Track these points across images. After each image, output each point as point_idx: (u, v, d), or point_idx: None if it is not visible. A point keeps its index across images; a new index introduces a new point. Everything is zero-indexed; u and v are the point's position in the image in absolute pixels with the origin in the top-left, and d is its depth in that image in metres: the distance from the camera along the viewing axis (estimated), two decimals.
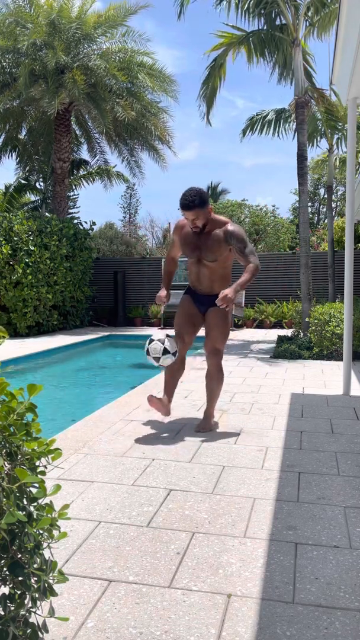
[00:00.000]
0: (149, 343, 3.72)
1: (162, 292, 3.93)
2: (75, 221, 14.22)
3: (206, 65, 9.58)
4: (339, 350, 7.14)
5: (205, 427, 3.79)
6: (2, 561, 1.20)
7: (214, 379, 3.87)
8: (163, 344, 3.67)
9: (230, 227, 3.64)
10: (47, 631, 1.31)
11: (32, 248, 10.71)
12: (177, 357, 3.85)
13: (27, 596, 1.23)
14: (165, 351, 3.66)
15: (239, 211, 17.05)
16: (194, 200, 3.54)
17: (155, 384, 5.49)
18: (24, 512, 1.22)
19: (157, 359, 3.69)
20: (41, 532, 1.26)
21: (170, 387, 3.93)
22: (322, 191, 27.20)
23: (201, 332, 3.96)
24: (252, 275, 3.57)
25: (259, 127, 11.30)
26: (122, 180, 17.02)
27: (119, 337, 11.39)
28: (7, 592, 1.22)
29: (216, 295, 3.69)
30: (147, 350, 3.71)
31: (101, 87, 12.32)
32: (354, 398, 4.93)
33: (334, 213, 16.73)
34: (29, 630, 1.25)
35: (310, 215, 26.63)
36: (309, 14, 8.65)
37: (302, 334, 8.53)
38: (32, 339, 10.35)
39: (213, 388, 3.89)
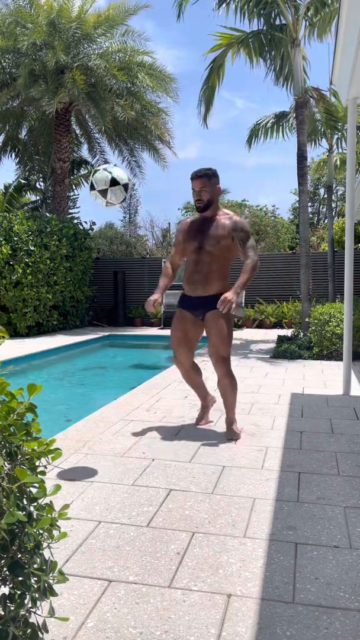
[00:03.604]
0: (93, 174, 3.06)
1: (154, 296, 3.66)
2: (75, 221, 14.22)
3: (206, 66, 9.59)
4: (339, 350, 7.14)
5: (232, 436, 3.63)
6: (2, 561, 1.20)
7: (227, 388, 3.68)
8: (109, 171, 3.02)
9: (236, 217, 3.67)
10: (47, 631, 1.31)
11: (32, 248, 10.71)
12: (183, 370, 3.85)
13: (27, 596, 1.23)
14: (114, 181, 3.01)
15: (239, 211, 17.06)
16: (203, 170, 3.60)
17: (156, 384, 5.50)
18: (24, 512, 1.22)
19: (104, 193, 3.00)
20: (41, 532, 1.26)
21: (198, 390, 3.97)
22: (322, 191, 27.20)
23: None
24: (251, 274, 3.51)
25: (262, 134, 11.35)
26: None
27: (118, 337, 11.39)
28: (7, 592, 1.22)
29: (213, 297, 3.57)
30: (92, 183, 3.04)
31: (101, 86, 12.32)
32: (354, 398, 4.93)
33: (334, 213, 16.74)
34: (29, 630, 1.25)
35: (310, 215, 26.63)
36: (309, 14, 8.64)
37: (302, 334, 8.53)
38: (32, 339, 10.35)
39: (227, 397, 3.71)
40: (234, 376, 3.70)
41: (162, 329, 12.24)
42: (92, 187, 3.08)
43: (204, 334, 3.77)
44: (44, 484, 1.24)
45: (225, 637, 1.61)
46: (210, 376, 5.99)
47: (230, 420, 3.72)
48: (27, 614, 1.26)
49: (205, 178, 3.58)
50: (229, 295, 3.38)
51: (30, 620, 1.28)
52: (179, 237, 3.80)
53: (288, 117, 11.21)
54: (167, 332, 3.85)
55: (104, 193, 3.05)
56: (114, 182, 3.02)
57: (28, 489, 1.26)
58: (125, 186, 3.09)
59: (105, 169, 3.06)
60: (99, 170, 3.03)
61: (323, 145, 13.52)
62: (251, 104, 53.91)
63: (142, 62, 12.79)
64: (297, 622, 1.67)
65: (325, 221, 23.63)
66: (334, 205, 19.69)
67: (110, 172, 3.02)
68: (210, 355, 3.67)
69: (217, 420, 4.06)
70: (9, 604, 1.21)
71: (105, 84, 12.37)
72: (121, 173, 3.10)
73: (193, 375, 3.90)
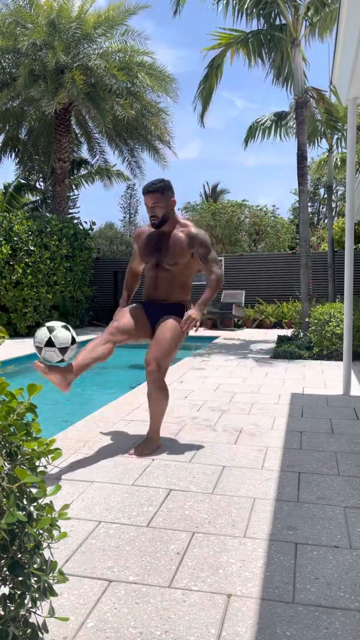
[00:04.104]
0: (51, 332, 2.90)
1: (122, 307, 3.50)
2: (75, 221, 14.22)
3: (205, 65, 9.59)
4: (339, 350, 7.14)
5: (142, 451, 3.25)
6: (2, 561, 1.20)
7: (154, 398, 3.33)
8: (69, 330, 2.90)
9: (194, 230, 3.39)
10: (47, 631, 1.31)
11: (32, 248, 10.71)
12: (106, 341, 3.24)
13: (27, 596, 1.23)
14: (74, 340, 2.91)
15: (239, 211, 17.06)
16: (155, 184, 3.30)
17: None
18: (24, 512, 1.22)
19: (64, 350, 2.90)
20: (41, 532, 1.26)
21: (84, 358, 3.18)
22: (322, 191, 27.21)
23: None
24: (215, 290, 3.34)
25: (260, 134, 11.31)
26: (122, 179, 17.04)
27: None
28: (7, 592, 1.22)
29: (172, 304, 3.40)
30: (50, 340, 2.88)
31: (101, 86, 12.33)
32: (354, 398, 4.93)
33: (334, 213, 16.74)
34: (29, 630, 1.25)
35: (310, 215, 26.63)
36: (309, 14, 8.65)
37: (302, 334, 8.53)
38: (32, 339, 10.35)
39: (154, 405, 3.35)
40: (166, 387, 3.36)
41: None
42: (38, 350, 2.93)
43: (145, 340, 3.48)
44: (44, 484, 1.24)
45: (225, 637, 1.61)
46: (209, 375, 5.99)
47: (150, 435, 3.38)
48: (27, 614, 1.26)
49: (158, 193, 3.28)
50: (192, 313, 3.22)
51: (30, 620, 1.28)
52: (135, 247, 3.59)
53: (287, 117, 11.20)
54: (136, 340, 3.50)
55: (39, 349, 2.91)
56: (49, 343, 2.87)
57: (28, 489, 1.26)
58: (65, 327, 2.89)
59: (47, 328, 2.89)
60: (42, 327, 2.89)
61: (322, 146, 13.53)
62: (251, 104, 53.94)
63: (142, 62, 12.80)
64: (297, 622, 1.67)
65: (325, 221, 23.63)
66: (334, 205, 19.69)
67: (50, 332, 2.85)
68: (145, 361, 3.29)
69: (216, 421, 4.06)
70: (9, 604, 1.21)
71: (105, 84, 12.37)
72: (63, 335, 2.88)
73: (98, 348, 3.22)
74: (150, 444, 3.34)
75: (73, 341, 2.93)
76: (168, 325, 3.32)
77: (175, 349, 3.32)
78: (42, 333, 2.90)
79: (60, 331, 2.90)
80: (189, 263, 3.42)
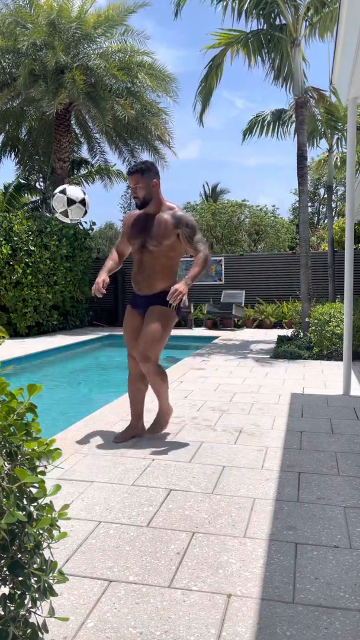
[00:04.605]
0: (59, 191, 3.38)
1: (99, 278, 3.52)
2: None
3: (205, 65, 9.58)
4: (339, 350, 7.14)
5: (151, 431, 3.62)
6: (2, 561, 1.20)
7: (153, 384, 3.53)
8: (64, 193, 3.31)
9: (180, 211, 3.48)
10: (47, 631, 1.31)
11: (32, 248, 10.71)
12: (134, 373, 3.61)
13: (27, 596, 1.23)
14: (70, 201, 3.32)
15: (239, 211, 17.06)
16: (136, 165, 3.46)
17: None
18: (24, 512, 1.22)
19: (65, 213, 3.35)
20: (41, 532, 1.26)
21: (134, 406, 3.68)
22: (322, 191, 27.21)
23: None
24: (202, 267, 3.39)
25: (258, 129, 11.28)
26: (122, 179, 17.03)
27: (118, 337, 11.36)
28: (7, 592, 1.22)
29: (157, 295, 3.47)
30: (52, 207, 3.40)
31: (101, 86, 12.33)
32: (354, 398, 4.93)
33: (334, 213, 16.74)
34: (29, 630, 1.25)
35: (310, 215, 26.64)
36: (309, 14, 8.64)
37: (302, 334, 8.53)
38: (32, 339, 10.35)
39: (156, 390, 3.57)
40: (163, 372, 3.54)
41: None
42: (53, 211, 3.36)
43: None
44: (44, 484, 1.24)
45: (225, 637, 1.61)
46: (209, 375, 5.99)
47: (161, 412, 3.64)
48: (27, 614, 1.26)
49: (138, 174, 3.40)
50: (179, 286, 3.25)
51: (30, 620, 1.28)
52: (124, 229, 3.71)
53: (286, 115, 11.19)
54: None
55: (65, 214, 3.34)
56: (70, 201, 3.32)
57: (28, 489, 1.26)
58: (82, 202, 3.33)
59: (60, 191, 3.32)
60: (54, 194, 3.33)
61: (321, 147, 13.53)
62: (251, 104, 53.96)
63: (142, 62, 12.81)
64: (297, 622, 1.67)
65: (325, 221, 23.63)
66: (334, 205, 19.69)
67: (64, 193, 3.31)
68: (136, 352, 3.46)
69: (216, 421, 4.06)
70: (9, 604, 1.21)
71: (105, 83, 12.38)
72: (75, 191, 3.35)
73: (138, 386, 3.67)
74: (159, 422, 3.65)
75: (84, 213, 3.44)
76: (153, 315, 3.45)
77: (162, 336, 3.43)
78: (58, 198, 3.39)
79: (69, 189, 3.36)
80: (174, 245, 3.47)
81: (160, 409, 3.68)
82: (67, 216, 3.30)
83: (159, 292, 3.49)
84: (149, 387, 3.69)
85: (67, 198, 3.26)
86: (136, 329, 3.57)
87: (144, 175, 3.41)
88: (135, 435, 3.64)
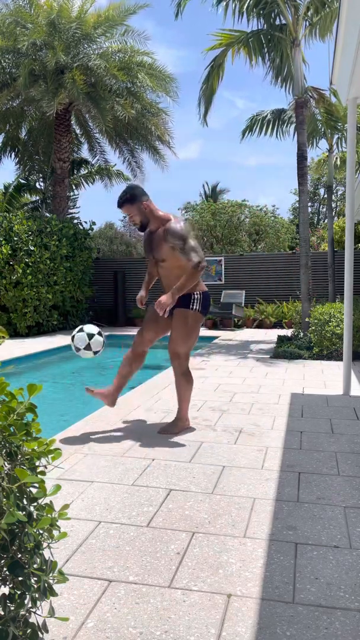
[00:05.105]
0: (78, 331, 3.75)
1: (140, 293, 3.93)
2: (75, 221, 14.22)
3: (206, 65, 9.58)
4: (339, 350, 7.14)
5: (167, 430, 3.74)
6: (2, 561, 1.20)
7: (178, 384, 3.75)
8: (89, 339, 3.69)
9: (169, 224, 3.49)
10: (47, 631, 1.31)
11: (32, 248, 10.71)
12: (134, 351, 3.82)
13: (27, 596, 1.23)
14: (88, 346, 3.69)
15: (239, 211, 17.06)
16: (121, 197, 3.56)
17: (156, 384, 5.50)
18: (24, 512, 1.22)
19: (77, 349, 3.71)
20: (41, 532, 1.26)
21: (120, 377, 3.84)
22: (322, 191, 27.21)
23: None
24: (190, 277, 3.42)
25: (257, 128, 11.27)
26: (122, 179, 17.02)
27: (119, 337, 11.37)
28: (7, 592, 1.22)
29: (179, 298, 3.58)
30: (73, 337, 3.74)
31: (101, 86, 12.32)
32: (354, 398, 4.93)
33: (334, 213, 16.74)
34: (29, 630, 1.25)
35: (310, 215, 26.63)
36: (309, 13, 8.64)
37: (302, 334, 8.53)
38: (32, 339, 10.35)
39: (179, 391, 3.77)
40: (188, 374, 3.75)
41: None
42: (77, 350, 3.72)
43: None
44: (44, 484, 1.24)
45: (225, 637, 1.61)
46: (209, 375, 5.99)
47: (179, 416, 3.79)
48: (27, 614, 1.26)
49: (127, 204, 3.54)
50: (163, 298, 3.43)
51: (30, 620, 1.28)
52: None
53: (286, 114, 11.18)
54: (166, 332, 3.88)
55: (87, 347, 3.68)
56: (90, 336, 3.70)
57: (28, 489, 1.26)
58: (99, 333, 3.73)
59: (79, 330, 3.74)
60: (74, 335, 3.73)
61: (321, 147, 13.52)
62: (252, 104, 53.99)
63: (142, 62, 12.80)
64: (297, 622, 1.67)
65: (325, 221, 23.63)
66: (334, 205, 19.69)
67: (83, 330, 3.72)
68: (168, 350, 3.70)
69: (216, 421, 4.06)
70: (9, 604, 1.21)
71: (105, 84, 12.37)
72: (90, 328, 3.77)
73: (133, 361, 3.84)
74: (176, 425, 3.77)
75: (103, 344, 3.76)
76: (176, 318, 3.67)
77: (187, 336, 3.65)
78: (79, 336, 3.71)
79: (96, 338, 3.72)
80: (177, 257, 3.52)
81: (179, 412, 3.80)
82: (90, 349, 3.70)
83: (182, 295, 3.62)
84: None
85: (86, 334, 3.70)
86: (155, 314, 3.72)
87: (133, 203, 3.54)
88: (106, 404, 3.89)
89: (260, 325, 12.74)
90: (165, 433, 3.71)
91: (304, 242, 8.59)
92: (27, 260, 10.63)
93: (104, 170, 16.46)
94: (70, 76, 11.45)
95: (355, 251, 10.68)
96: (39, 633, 1.28)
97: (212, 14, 9.95)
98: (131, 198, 3.53)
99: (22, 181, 16.04)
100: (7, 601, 1.21)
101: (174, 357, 3.68)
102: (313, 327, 7.51)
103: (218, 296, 13.39)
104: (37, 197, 17.31)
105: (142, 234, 3.83)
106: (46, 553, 1.30)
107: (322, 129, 12.02)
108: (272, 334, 10.89)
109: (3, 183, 16.31)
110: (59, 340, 10.17)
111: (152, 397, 4.90)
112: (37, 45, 11.81)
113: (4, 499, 1.14)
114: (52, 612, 1.29)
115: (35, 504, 1.28)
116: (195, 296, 3.64)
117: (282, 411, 4.37)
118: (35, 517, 1.25)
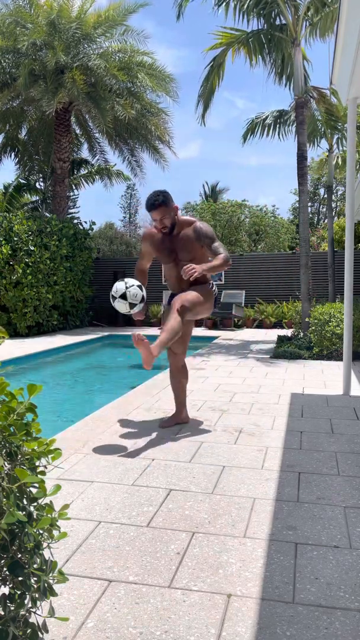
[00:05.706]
0: (119, 281, 3.52)
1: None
2: (75, 221, 14.22)
3: (205, 65, 9.59)
4: (339, 350, 7.14)
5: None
6: (2, 561, 1.20)
7: (169, 325, 3.49)
8: (127, 288, 3.47)
9: (199, 224, 3.70)
10: (47, 631, 1.31)
11: (32, 248, 10.71)
12: (172, 368, 3.94)
13: (27, 596, 1.23)
14: (143, 299, 3.53)
15: (239, 211, 17.06)
16: (158, 199, 3.59)
17: (156, 384, 5.50)
18: (24, 512, 1.22)
19: (133, 306, 3.48)
20: (41, 532, 1.26)
21: (177, 396, 3.96)
22: (322, 191, 27.21)
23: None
24: (222, 262, 3.58)
25: (259, 130, 11.27)
26: (122, 179, 17.04)
27: (119, 337, 11.39)
28: (7, 592, 1.22)
29: (196, 283, 3.71)
30: (125, 294, 3.44)
31: (101, 86, 12.32)
32: (354, 398, 4.93)
33: (334, 213, 16.73)
34: (29, 630, 1.25)
35: (310, 215, 26.64)
36: (309, 13, 8.65)
37: (302, 334, 8.53)
38: (32, 339, 10.35)
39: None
40: (180, 322, 3.54)
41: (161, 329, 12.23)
42: (112, 299, 3.51)
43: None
44: (44, 484, 1.24)
45: (225, 637, 1.61)
46: (209, 375, 5.99)
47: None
48: (27, 614, 1.26)
49: (163, 206, 3.59)
50: (195, 265, 3.43)
51: (30, 620, 1.28)
52: (147, 248, 3.88)
53: (287, 116, 11.18)
54: (187, 336, 3.95)
55: (132, 305, 3.50)
56: (130, 285, 3.52)
57: (28, 489, 1.26)
58: (140, 287, 3.53)
59: (120, 280, 3.54)
60: (133, 285, 3.51)
61: (321, 147, 13.52)
62: (252, 104, 54.00)
63: (142, 62, 12.80)
64: (297, 622, 1.67)
65: (325, 221, 23.63)
66: (334, 205, 19.68)
67: (124, 280, 3.52)
68: (174, 303, 3.62)
69: (216, 421, 4.06)
70: (9, 604, 1.21)
71: (105, 83, 12.37)
72: (132, 281, 3.57)
73: (178, 374, 3.95)
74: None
75: (142, 299, 3.53)
76: (192, 289, 3.70)
77: (198, 299, 3.64)
78: (120, 285, 3.48)
79: (135, 288, 3.48)
80: (203, 255, 3.74)
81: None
82: (132, 308, 3.52)
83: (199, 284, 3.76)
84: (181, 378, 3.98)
85: (142, 296, 3.54)
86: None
87: (168, 205, 3.61)
88: (179, 422, 3.94)
89: (260, 325, 12.74)
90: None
91: (304, 242, 8.59)
92: (27, 260, 10.63)
93: (104, 170, 16.47)
94: (70, 76, 11.45)
95: (355, 251, 10.68)
96: (39, 633, 1.28)
97: (213, 15, 9.93)
98: (165, 200, 3.60)
99: (22, 181, 16.04)
100: (7, 601, 1.20)
101: (180, 308, 3.52)
102: (313, 327, 7.52)
103: (218, 296, 13.38)
104: (37, 197, 17.32)
105: (142, 234, 3.88)
106: (46, 553, 1.30)
107: (322, 129, 12.02)
108: (272, 334, 10.89)
109: (3, 183, 16.33)
110: (59, 340, 10.17)
111: (152, 397, 4.90)
112: (37, 45, 11.81)
113: (4, 499, 1.14)
114: (52, 612, 1.29)
115: (35, 504, 1.28)
116: (212, 283, 3.88)
117: (282, 411, 4.37)
118: (35, 517, 1.25)
